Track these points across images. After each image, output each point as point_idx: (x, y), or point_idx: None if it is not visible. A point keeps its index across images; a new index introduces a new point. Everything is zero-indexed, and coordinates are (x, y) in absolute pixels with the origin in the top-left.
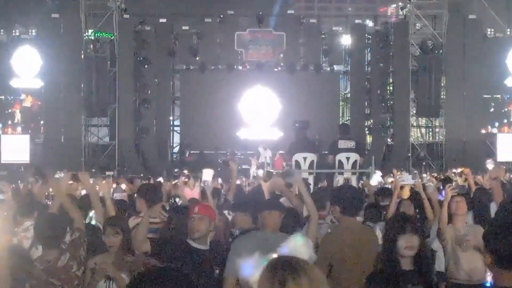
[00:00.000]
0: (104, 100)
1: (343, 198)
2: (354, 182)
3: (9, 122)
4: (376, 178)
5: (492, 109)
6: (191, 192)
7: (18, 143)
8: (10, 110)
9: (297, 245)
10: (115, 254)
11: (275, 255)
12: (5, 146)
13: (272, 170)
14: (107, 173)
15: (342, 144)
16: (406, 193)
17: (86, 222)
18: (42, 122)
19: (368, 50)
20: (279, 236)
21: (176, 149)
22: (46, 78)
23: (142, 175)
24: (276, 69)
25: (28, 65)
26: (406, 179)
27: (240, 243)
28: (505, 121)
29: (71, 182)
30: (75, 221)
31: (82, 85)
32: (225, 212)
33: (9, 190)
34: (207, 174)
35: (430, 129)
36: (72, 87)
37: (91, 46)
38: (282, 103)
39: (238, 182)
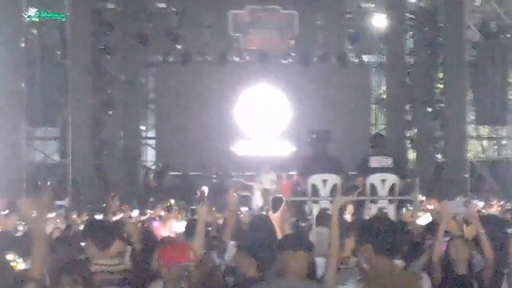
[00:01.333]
0: (53, 103)
1: (377, 232)
2: (391, 213)
3: None
4: (426, 218)
5: None
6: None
7: None
8: None
9: None
10: None
11: None
12: None
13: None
14: (57, 202)
15: (375, 162)
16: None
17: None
18: None
19: (411, 35)
20: (308, 285)
21: (150, 169)
22: None
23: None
24: (285, 61)
25: None
26: (456, 206)
27: None
28: None
29: (5, 212)
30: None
31: (22, 84)
32: (214, 255)
33: None
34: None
35: (495, 141)
36: (9, 86)
37: (35, 30)
38: (293, 106)
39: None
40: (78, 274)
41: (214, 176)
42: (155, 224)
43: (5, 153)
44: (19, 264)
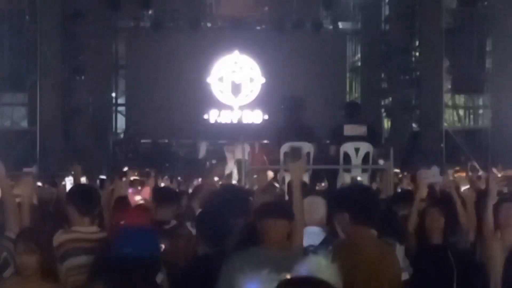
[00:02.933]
0: (21, 69)
1: (354, 201)
2: (365, 183)
3: None
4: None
5: None
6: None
7: None
8: None
9: (320, 267)
10: (29, 280)
11: (288, 275)
12: None
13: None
14: (25, 169)
15: (349, 130)
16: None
17: None
18: None
19: (386, 2)
20: (289, 254)
21: (121, 136)
22: None
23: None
24: (258, 27)
25: None
26: (432, 175)
27: (236, 263)
28: None
29: None
30: None
31: None
32: (188, 224)
33: None
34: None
35: (471, 111)
36: None
37: None
38: (266, 74)
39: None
40: (35, 242)
41: (189, 142)
42: (130, 191)
43: None
44: None
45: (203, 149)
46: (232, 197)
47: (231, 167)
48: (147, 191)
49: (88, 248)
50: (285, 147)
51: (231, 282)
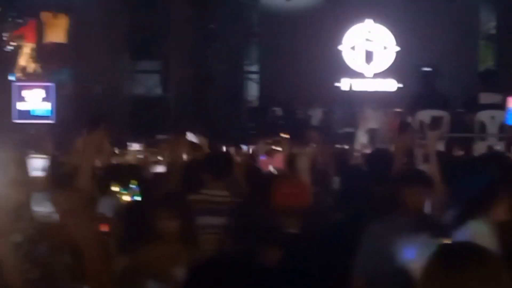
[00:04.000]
0: (155, 36)
1: (491, 170)
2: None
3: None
4: None
5: None
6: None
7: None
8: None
9: (480, 234)
10: (170, 244)
11: (447, 241)
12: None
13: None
14: (158, 136)
15: (484, 98)
16: None
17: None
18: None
19: None
20: (431, 221)
21: (253, 105)
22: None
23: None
24: None
25: None
26: None
27: (381, 229)
28: None
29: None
30: None
31: (124, 18)
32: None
33: None
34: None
35: None
36: (112, 19)
37: None
38: (400, 43)
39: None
40: (177, 208)
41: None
42: (263, 159)
43: (108, 87)
44: (123, 196)
45: (316, 117)
46: (380, 163)
47: (361, 135)
48: (279, 158)
49: (214, 209)
50: (421, 115)
51: (365, 261)
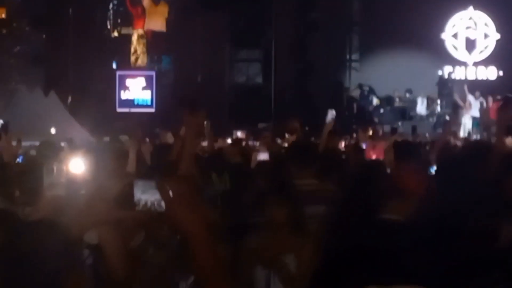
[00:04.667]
0: (256, 26)
1: None
2: None
3: None
4: None
5: None
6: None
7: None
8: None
9: None
10: (278, 233)
11: None
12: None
13: None
14: (260, 124)
15: None
16: None
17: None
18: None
19: None
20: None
21: (355, 92)
22: None
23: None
24: None
25: None
26: None
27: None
28: None
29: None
30: None
31: (227, 7)
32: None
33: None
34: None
35: None
36: (214, 9)
37: None
38: (501, 30)
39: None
40: (286, 195)
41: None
42: (365, 146)
43: (208, 75)
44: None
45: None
46: (474, 154)
47: (467, 123)
48: (381, 147)
49: (315, 198)
50: None
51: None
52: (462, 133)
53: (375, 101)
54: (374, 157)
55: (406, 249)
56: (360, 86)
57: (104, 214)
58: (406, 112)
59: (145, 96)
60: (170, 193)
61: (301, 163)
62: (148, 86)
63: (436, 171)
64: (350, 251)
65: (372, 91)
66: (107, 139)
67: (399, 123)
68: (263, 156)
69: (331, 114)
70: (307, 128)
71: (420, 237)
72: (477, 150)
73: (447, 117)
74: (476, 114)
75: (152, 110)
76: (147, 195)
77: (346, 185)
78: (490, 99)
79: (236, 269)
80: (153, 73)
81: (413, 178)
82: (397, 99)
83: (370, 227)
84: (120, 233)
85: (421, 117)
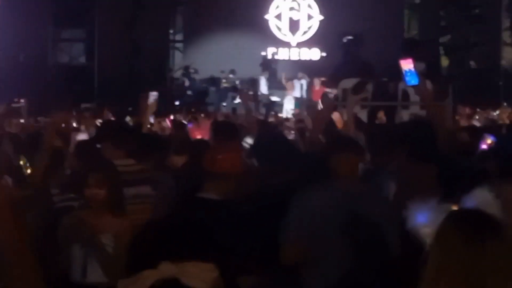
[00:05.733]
0: (80, 4)
1: (414, 137)
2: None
3: None
4: None
5: None
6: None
7: None
8: None
9: (487, 201)
10: (98, 212)
11: (455, 207)
12: None
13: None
14: (83, 105)
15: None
16: None
17: None
18: None
19: None
20: (367, 188)
21: (177, 73)
22: None
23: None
24: None
25: None
26: None
27: (315, 195)
28: None
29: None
30: None
31: None
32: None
33: None
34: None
35: None
36: None
37: None
38: (325, 11)
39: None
40: (106, 174)
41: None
42: (190, 126)
43: (31, 55)
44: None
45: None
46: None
47: (288, 103)
48: (206, 127)
49: (132, 180)
50: (344, 84)
51: (317, 213)
52: (285, 114)
53: (200, 82)
54: (199, 137)
55: (223, 226)
56: (186, 68)
57: None
58: (232, 93)
59: None
60: None
61: (115, 143)
62: None
63: (254, 149)
64: (166, 228)
65: (197, 72)
66: None
67: (224, 104)
68: (82, 136)
69: (153, 95)
70: (130, 109)
71: (239, 214)
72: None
73: (272, 98)
74: (298, 94)
75: None
76: None
77: (168, 164)
78: (314, 80)
79: (53, 249)
80: None
81: (230, 157)
82: (224, 80)
83: (190, 205)
84: None
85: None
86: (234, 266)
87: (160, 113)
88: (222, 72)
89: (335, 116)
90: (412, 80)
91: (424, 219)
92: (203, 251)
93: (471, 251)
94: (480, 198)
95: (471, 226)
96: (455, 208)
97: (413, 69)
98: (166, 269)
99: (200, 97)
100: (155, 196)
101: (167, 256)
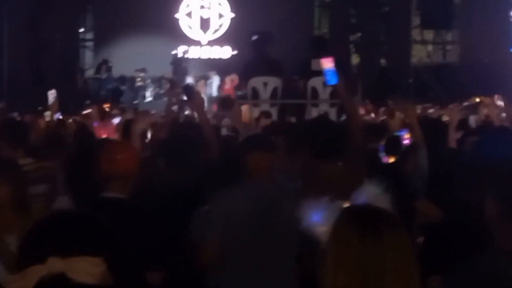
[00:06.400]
0: None
1: (317, 134)
2: (333, 117)
3: None
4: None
5: None
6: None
7: None
8: None
9: (376, 196)
10: (1, 212)
11: (347, 204)
12: None
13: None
14: None
15: (316, 65)
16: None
17: None
18: None
19: None
20: (282, 187)
21: (89, 73)
22: None
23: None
24: None
25: None
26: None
27: (230, 196)
28: None
29: None
30: None
31: None
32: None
33: None
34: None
35: (440, 46)
36: None
37: None
38: (235, 9)
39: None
40: (8, 173)
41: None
42: (95, 125)
43: None
44: None
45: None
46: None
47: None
48: (112, 126)
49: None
50: (253, 82)
51: (231, 214)
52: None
53: (112, 80)
54: (104, 136)
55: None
56: (98, 66)
57: None
58: (144, 92)
59: None
60: None
61: (12, 142)
62: None
63: (161, 148)
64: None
65: (109, 70)
66: None
67: (136, 102)
68: None
69: (52, 94)
70: (40, 108)
71: (140, 213)
72: (193, 128)
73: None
74: (209, 93)
75: None
76: None
77: (69, 163)
78: (228, 78)
79: None
80: None
81: (128, 157)
82: (138, 79)
83: (89, 203)
84: None
85: (157, 96)
86: (135, 262)
87: (69, 112)
88: (137, 70)
89: (244, 109)
90: (332, 80)
91: (318, 218)
92: (94, 246)
93: (367, 244)
94: (369, 194)
95: (365, 220)
96: (347, 205)
97: (333, 68)
98: (53, 264)
99: (114, 95)
100: (49, 194)
101: (56, 251)
